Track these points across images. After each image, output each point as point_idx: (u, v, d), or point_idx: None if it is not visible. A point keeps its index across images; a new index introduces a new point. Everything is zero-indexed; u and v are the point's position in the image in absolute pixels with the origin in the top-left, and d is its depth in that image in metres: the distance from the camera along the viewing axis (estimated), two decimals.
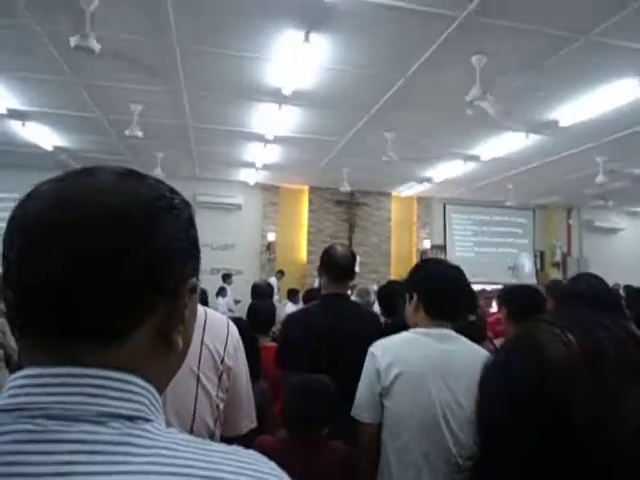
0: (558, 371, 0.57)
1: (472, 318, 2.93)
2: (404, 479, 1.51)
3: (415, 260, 10.32)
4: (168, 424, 0.51)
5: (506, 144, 7.07)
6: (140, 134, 6.07)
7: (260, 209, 10.85)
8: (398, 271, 10.23)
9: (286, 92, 5.34)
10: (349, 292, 2.87)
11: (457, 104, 5.20)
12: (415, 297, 1.70)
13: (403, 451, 1.52)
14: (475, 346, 1.67)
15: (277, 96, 5.52)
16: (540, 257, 12.37)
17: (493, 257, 11.89)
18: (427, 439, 1.50)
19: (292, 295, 7.73)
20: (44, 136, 7.38)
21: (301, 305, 5.68)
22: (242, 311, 5.30)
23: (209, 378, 1.28)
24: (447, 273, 1.72)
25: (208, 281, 7.83)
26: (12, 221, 0.50)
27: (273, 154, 8.14)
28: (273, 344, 2.83)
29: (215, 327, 1.33)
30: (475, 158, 7.88)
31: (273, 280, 9.02)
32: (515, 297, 2.55)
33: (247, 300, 4.68)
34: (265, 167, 9.07)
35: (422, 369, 1.55)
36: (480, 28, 3.95)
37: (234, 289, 9.15)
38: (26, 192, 0.52)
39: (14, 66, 4.96)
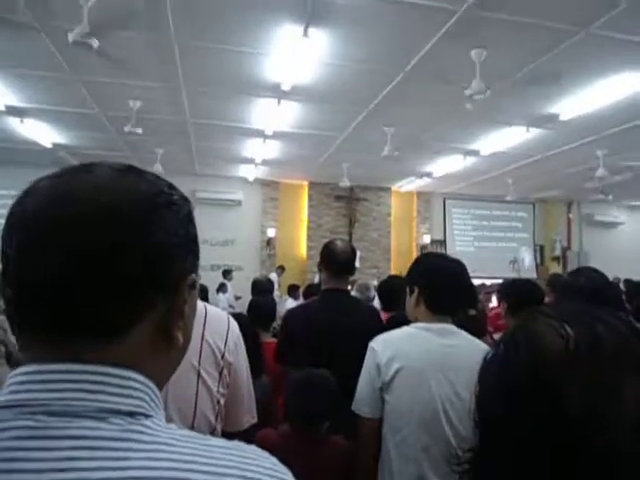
0: (554, 362, 0.57)
1: (472, 312, 2.94)
2: (404, 473, 1.52)
3: (415, 255, 10.31)
4: (169, 420, 0.52)
5: (506, 138, 7.05)
6: (139, 130, 6.05)
7: (260, 205, 10.85)
8: (398, 266, 10.23)
9: (285, 87, 5.33)
10: (349, 287, 2.87)
11: (457, 98, 5.18)
12: (416, 291, 1.70)
13: (403, 445, 1.53)
14: (476, 341, 1.67)
15: (276, 91, 5.51)
16: (540, 251, 12.38)
17: (493, 252, 11.89)
18: (427, 433, 1.51)
19: (292, 291, 7.74)
20: (43, 133, 7.37)
21: (301, 301, 5.68)
22: (243, 307, 5.32)
23: (210, 373, 1.28)
24: (448, 267, 1.71)
25: (208, 277, 7.83)
26: (10, 217, 0.50)
27: (272, 150, 8.13)
28: (274, 340, 2.84)
29: (215, 323, 1.34)
30: (475, 153, 7.87)
31: (273, 276, 9.04)
32: (515, 291, 2.56)
33: (247, 296, 4.69)
34: (264, 163, 9.06)
35: (423, 364, 1.55)
36: (480, 22, 3.93)
37: (234, 285, 9.16)
38: (25, 189, 0.51)
39: (12, 63, 4.94)
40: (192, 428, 1.21)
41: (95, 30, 3.67)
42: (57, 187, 0.50)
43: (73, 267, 0.46)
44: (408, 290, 1.75)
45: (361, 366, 1.65)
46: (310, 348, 2.05)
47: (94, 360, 0.47)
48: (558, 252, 12.25)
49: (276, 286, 8.21)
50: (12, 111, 6.36)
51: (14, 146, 7.90)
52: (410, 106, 5.88)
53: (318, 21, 4.01)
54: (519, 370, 0.60)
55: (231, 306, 8.31)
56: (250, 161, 9.00)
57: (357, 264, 2.72)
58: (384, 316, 2.74)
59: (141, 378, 0.49)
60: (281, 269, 10.00)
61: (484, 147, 7.55)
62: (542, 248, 12.40)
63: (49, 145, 7.88)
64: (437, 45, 4.34)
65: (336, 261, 2.29)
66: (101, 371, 0.47)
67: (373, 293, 4.28)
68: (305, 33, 4.12)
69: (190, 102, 6.00)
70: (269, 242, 10.66)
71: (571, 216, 12.51)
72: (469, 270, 1.75)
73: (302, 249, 10.87)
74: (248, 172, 9.92)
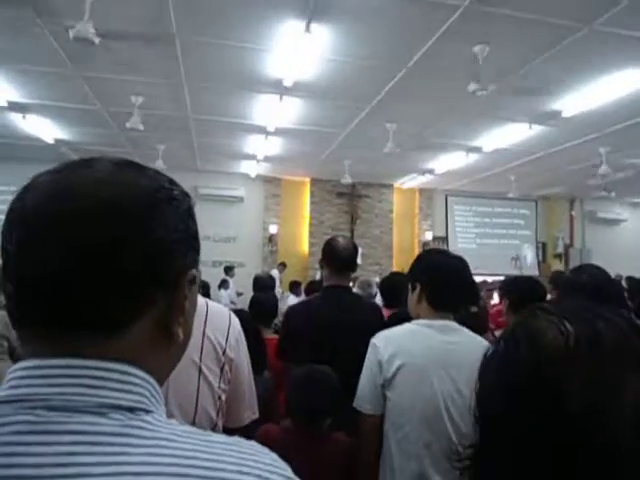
0: (554, 358, 0.57)
1: (474, 310, 2.94)
2: (406, 470, 1.52)
3: (417, 252, 10.31)
4: (170, 415, 0.52)
5: (509, 135, 7.03)
6: (141, 126, 6.05)
7: (262, 201, 10.85)
8: (400, 263, 10.23)
9: (287, 83, 5.32)
10: (351, 284, 2.87)
11: (459, 95, 5.17)
12: (418, 288, 1.69)
13: (405, 442, 1.53)
14: (478, 338, 1.67)
15: (278, 87, 5.50)
16: (542, 248, 12.36)
17: (495, 249, 11.87)
18: (429, 430, 1.51)
19: (294, 287, 7.74)
20: (45, 129, 7.37)
21: (303, 297, 5.69)
22: (244, 303, 5.33)
23: (211, 369, 1.28)
24: (450, 263, 1.71)
25: (210, 274, 7.85)
26: (10, 213, 0.50)
27: (274, 146, 8.12)
28: (275, 336, 2.84)
29: (217, 319, 1.34)
30: (477, 149, 7.85)
31: (275, 272, 9.04)
32: (516, 288, 2.56)
33: (249, 292, 4.69)
34: (266, 159, 9.06)
35: (424, 361, 1.55)
36: (482, 17, 3.91)
37: (236, 281, 9.17)
38: (24, 184, 0.51)
39: (14, 59, 4.94)
40: (193, 424, 1.21)
41: (97, 26, 3.67)
42: (57, 182, 0.50)
43: (73, 262, 0.46)
44: (410, 287, 1.74)
45: (363, 363, 1.65)
46: (312, 344, 2.06)
47: (94, 355, 0.47)
48: (560, 249, 12.23)
49: (278, 283, 8.22)
50: (14, 107, 6.37)
51: (16, 142, 7.91)
52: (412, 102, 5.86)
53: (320, 17, 4.00)
54: (519, 367, 0.60)
55: (233, 302, 8.32)
56: (252, 157, 9.00)
57: (359, 261, 2.71)
58: (386, 313, 2.74)
59: (141, 374, 0.49)
60: (283, 266, 10.01)
61: (486, 144, 7.53)
62: (544, 245, 12.38)
63: (51, 141, 7.89)
64: (440, 41, 4.32)
65: (338, 258, 2.28)
66: (101, 366, 0.47)
67: (375, 290, 4.28)
68: (307, 29, 4.11)
69: (192, 98, 6.00)
70: (271, 239, 10.66)
71: (573, 213, 12.48)
72: (471, 267, 1.75)
73: (304, 246, 10.87)
74: (250, 168, 9.92)
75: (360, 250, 4.11)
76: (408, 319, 1.72)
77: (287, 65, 4.91)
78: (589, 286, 1.90)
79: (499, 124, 6.63)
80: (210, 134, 7.56)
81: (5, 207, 0.51)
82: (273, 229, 10.65)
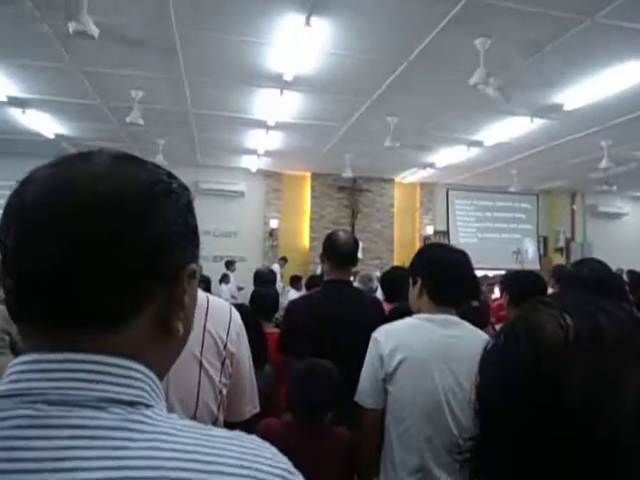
0: (554, 352, 0.57)
1: (475, 304, 2.94)
2: (407, 464, 1.52)
3: (418, 246, 10.30)
4: (171, 410, 0.52)
5: (510, 129, 7.01)
6: (141, 121, 6.04)
7: (262, 196, 10.84)
8: (401, 257, 10.23)
9: (287, 77, 5.30)
10: (352, 278, 2.87)
11: (460, 88, 5.14)
12: (419, 282, 1.69)
13: (406, 436, 1.53)
14: (479, 332, 1.67)
15: (278, 81, 5.48)
16: (544, 242, 12.35)
17: (496, 243, 11.87)
18: (430, 424, 1.51)
19: (295, 282, 7.74)
20: (45, 124, 7.36)
21: (304, 292, 5.69)
22: (245, 298, 5.33)
23: (212, 364, 1.28)
24: (451, 258, 1.71)
25: (211, 268, 7.86)
26: (9, 207, 0.49)
27: (275, 140, 8.10)
28: (276, 330, 2.85)
29: (217, 313, 1.34)
30: (479, 143, 7.83)
31: (276, 267, 9.06)
32: (517, 283, 2.56)
33: (250, 287, 4.70)
34: (267, 154, 9.04)
35: (425, 355, 1.55)
36: (484, 10, 3.89)
37: (237, 276, 9.18)
38: (22, 179, 0.51)
39: (14, 53, 4.92)
40: (194, 418, 1.22)
41: (96, 20, 3.65)
42: (56, 176, 0.49)
43: (72, 256, 0.46)
44: (411, 281, 1.74)
45: (363, 357, 1.65)
46: (312, 339, 2.06)
47: (93, 350, 0.47)
48: (562, 243, 12.22)
49: (278, 277, 8.23)
50: (14, 102, 6.36)
51: (16, 137, 7.90)
52: (413, 96, 5.84)
53: (320, 10, 3.97)
54: (519, 361, 0.59)
55: (234, 297, 8.33)
56: (253, 152, 8.98)
57: (360, 255, 2.71)
58: (387, 307, 2.74)
59: (141, 368, 0.49)
60: (284, 260, 10.01)
61: (488, 137, 7.50)
62: (546, 239, 12.37)
63: (51, 136, 7.88)
64: (441, 34, 4.30)
65: (339, 252, 2.28)
66: (100, 360, 0.47)
67: (376, 284, 4.28)
68: (307, 22, 4.09)
69: (192, 92, 5.98)
70: (272, 233, 10.67)
71: (575, 207, 12.46)
72: (472, 261, 1.75)
73: (305, 240, 10.87)
74: (251, 163, 9.90)
75: (361, 244, 4.11)
76: (409, 313, 1.72)
77: (287, 59, 4.89)
78: (590, 280, 1.90)
79: (500, 117, 6.60)
80: (210, 128, 7.54)
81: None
82: (274, 223, 10.65)
